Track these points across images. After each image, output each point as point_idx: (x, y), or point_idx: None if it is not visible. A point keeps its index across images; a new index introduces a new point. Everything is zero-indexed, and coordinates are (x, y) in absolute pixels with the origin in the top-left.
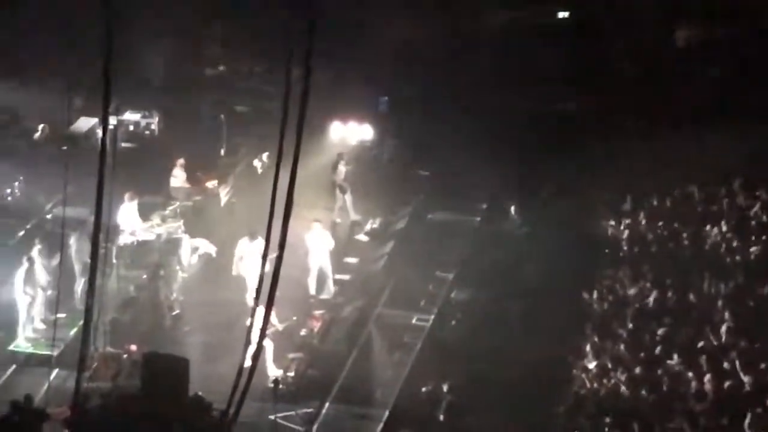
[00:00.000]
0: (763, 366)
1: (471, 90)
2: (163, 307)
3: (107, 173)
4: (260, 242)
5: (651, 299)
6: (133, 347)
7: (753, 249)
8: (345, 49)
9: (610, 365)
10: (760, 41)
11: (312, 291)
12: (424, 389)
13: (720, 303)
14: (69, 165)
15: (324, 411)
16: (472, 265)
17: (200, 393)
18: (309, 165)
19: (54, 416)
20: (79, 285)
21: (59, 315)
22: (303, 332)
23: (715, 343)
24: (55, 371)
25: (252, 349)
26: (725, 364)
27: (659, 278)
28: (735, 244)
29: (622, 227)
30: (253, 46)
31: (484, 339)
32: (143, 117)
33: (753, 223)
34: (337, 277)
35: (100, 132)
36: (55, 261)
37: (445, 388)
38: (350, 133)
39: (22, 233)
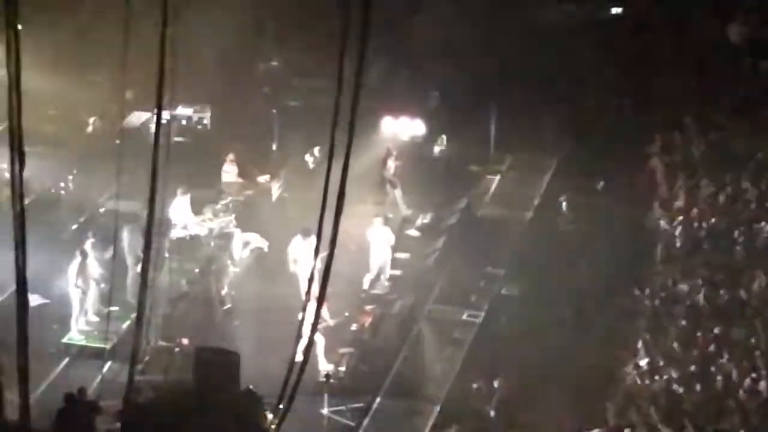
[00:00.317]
0: None
1: (522, 85)
2: (214, 302)
3: (160, 167)
4: (313, 240)
5: (702, 296)
6: (185, 341)
7: None
8: (397, 44)
9: (661, 362)
10: None
11: (366, 286)
12: (474, 385)
13: None
14: (122, 159)
15: (375, 406)
16: (523, 261)
17: (252, 387)
18: (360, 160)
19: (107, 409)
20: (132, 278)
21: (112, 308)
22: (354, 327)
23: None
24: (108, 364)
25: (303, 343)
26: None
27: (711, 275)
28: None
29: (674, 223)
30: (306, 41)
31: (534, 335)
32: (195, 111)
33: None
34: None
35: (152, 126)
36: (108, 254)
37: (495, 384)
38: (402, 128)
39: (75, 227)
